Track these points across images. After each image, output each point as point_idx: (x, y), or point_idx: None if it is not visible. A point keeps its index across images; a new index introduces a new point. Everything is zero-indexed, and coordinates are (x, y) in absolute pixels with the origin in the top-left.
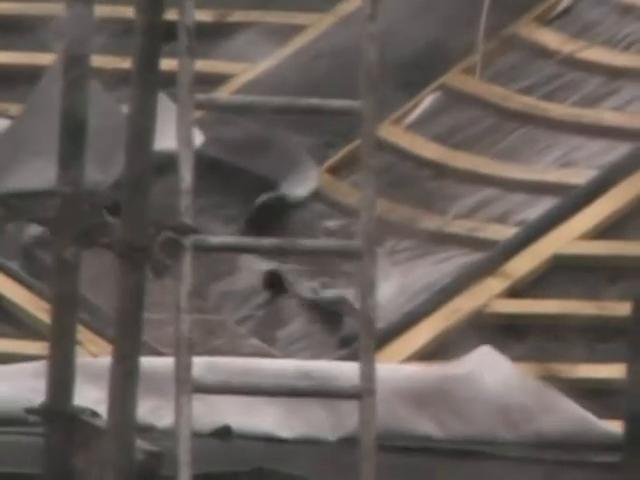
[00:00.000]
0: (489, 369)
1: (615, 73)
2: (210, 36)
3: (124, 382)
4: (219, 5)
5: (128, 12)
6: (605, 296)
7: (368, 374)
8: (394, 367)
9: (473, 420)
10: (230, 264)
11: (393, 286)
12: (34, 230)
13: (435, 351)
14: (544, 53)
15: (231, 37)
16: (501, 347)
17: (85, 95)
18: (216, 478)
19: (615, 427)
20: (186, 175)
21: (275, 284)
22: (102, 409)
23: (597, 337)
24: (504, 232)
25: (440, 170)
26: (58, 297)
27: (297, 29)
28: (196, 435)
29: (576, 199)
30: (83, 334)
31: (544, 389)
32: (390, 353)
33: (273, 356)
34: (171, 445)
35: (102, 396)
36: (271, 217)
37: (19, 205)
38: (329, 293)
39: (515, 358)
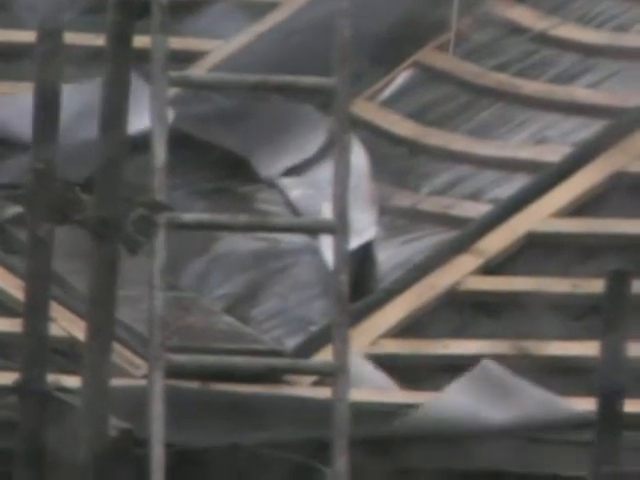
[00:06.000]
0: None
1: (589, 50)
2: (183, 13)
3: (98, 357)
4: None
5: None
6: (579, 273)
7: (341, 351)
8: None
9: None
10: (205, 240)
11: None
12: (12, 209)
13: (409, 328)
14: (518, 30)
15: (204, 13)
16: (475, 324)
17: (59, 70)
18: (190, 454)
19: (583, 405)
20: (160, 152)
21: None
22: None
23: (571, 314)
24: (478, 209)
25: (413, 147)
26: (31, 273)
27: (271, 5)
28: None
29: (550, 176)
30: (56, 311)
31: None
32: (364, 330)
33: (247, 333)
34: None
35: None
36: None
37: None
38: None
39: (489, 335)
